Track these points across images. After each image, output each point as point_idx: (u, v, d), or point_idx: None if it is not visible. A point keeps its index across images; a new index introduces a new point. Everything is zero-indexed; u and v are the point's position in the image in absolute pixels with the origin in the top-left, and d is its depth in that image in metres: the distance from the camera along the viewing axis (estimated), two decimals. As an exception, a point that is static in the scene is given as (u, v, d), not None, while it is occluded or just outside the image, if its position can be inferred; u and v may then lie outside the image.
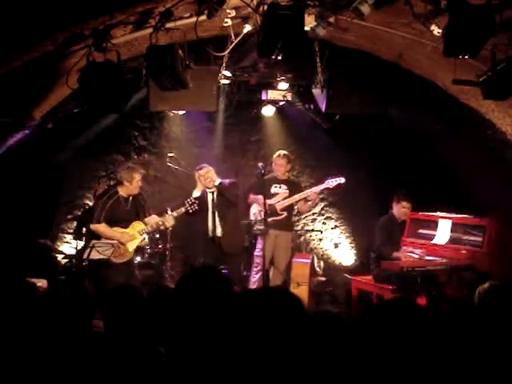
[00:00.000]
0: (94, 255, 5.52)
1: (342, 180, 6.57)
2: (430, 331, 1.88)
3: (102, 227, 5.41)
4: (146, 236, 5.81)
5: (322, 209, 7.97)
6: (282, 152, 6.64)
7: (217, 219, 6.11)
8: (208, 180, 6.02)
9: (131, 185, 5.49)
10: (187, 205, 5.82)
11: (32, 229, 6.13)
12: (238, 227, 6.39)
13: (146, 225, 5.63)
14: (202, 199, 6.05)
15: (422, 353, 1.84)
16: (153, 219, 5.71)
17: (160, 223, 5.68)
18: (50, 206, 6.76)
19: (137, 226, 5.59)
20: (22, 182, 6.04)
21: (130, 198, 5.58)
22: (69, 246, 6.82)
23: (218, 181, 6.09)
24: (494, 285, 2.91)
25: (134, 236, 5.57)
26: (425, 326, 1.87)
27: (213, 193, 6.12)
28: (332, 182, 6.65)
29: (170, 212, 5.80)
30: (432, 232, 6.03)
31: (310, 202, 6.53)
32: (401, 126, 7.07)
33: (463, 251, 5.58)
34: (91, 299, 3.15)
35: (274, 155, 6.65)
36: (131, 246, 5.56)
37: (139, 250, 6.23)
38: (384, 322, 1.91)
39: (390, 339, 1.86)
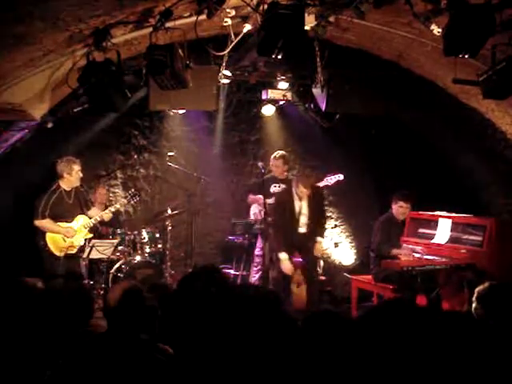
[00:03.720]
0: (94, 255, 5.54)
1: (340, 177, 6.58)
2: (429, 331, 1.88)
3: (46, 222, 5.49)
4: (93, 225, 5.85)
5: (321, 208, 7.96)
6: (278, 153, 6.65)
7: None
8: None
9: (71, 176, 5.57)
10: (129, 196, 6.07)
11: (32, 229, 6.12)
12: None
13: (90, 218, 5.74)
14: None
15: (421, 352, 1.84)
16: (95, 211, 5.85)
17: (102, 215, 5.80)
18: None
19: (81, 219, 5.69)
20: (21, 182, 6.03)
21: (73, 192, 5.66)
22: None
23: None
24: (493, 285, 2.91)
25: (80, 230, 5.67)
26: (424, 326, 1.87)
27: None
28: (331, 180, 6.66)
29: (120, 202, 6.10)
30: (432, 231, 6.03)
31: None
32: (401, 125, 7.08)
33: (463, 251, 5.58)
34: (90, 299, 3.15)
35: (271, 156, 6.67)
36: (77, 241, 5.65)
37: (140, 248, 6.26)
38: (383, 321, 1.92)
39: (390, 338, 1.86)
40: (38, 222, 5.49)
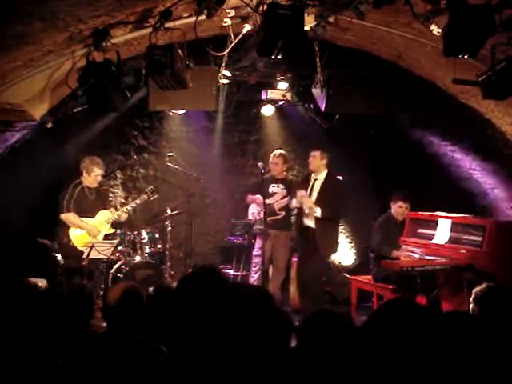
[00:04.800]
0: (94, 255, 5.54)
1: (340, 178, 6.58)
2: (429, 331, 1.88)
3: (71, 216, 5.54)
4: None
5: (321, 208, 7.96)
6: (278, 151, 6.65)
7: None
8: None
9: (89, 176, 5.66)
10: (149, 192, 6.05)
11: (32, 229, 6.12)
12: None
13: (114, 210, 5.84)
14: None
15: (421, 352, 1.84)
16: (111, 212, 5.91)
17: (123, 210, 5.90)
18: (50, 206, 6.75)
19: (103, 214, 5.75)
20: (21, 182, 6.03)
21: (94, 190, 5.76)
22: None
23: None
24: (490, 286, 2.91)
25: (103, 225, 5.75)
26: (423, 326, 1.87)
27: None
28: None
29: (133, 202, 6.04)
30: (432, 232, 6.02)
31: None
32: (402, 126, 7.08)
33: (463, 251, 5.57)
34: (90, 299, 3.16)
35: (271, 154, 6.67)
36: (100, 236, 5.75)
37: (140, 249, 6.25)
38: (384, 321, 1.92)
39: (390, 338, 1.86)
40: (64, 216, 5.56)
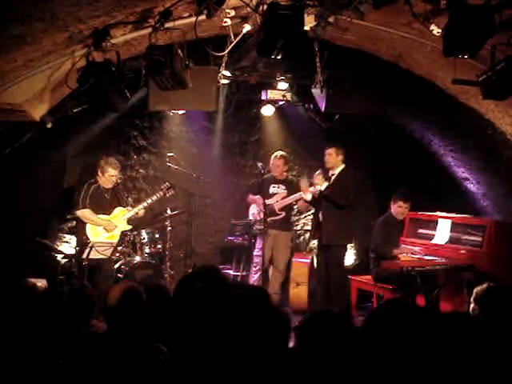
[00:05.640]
0: (94, 255, 5.54)
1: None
2: (427, 331, 1.88)
3: (87, 212, 5.59)
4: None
5: (321, 208, 7.95)
6: (279, 153, 6.65)
7: None
8: None
9: (103, 176, 5.66)
10: (164, 189, 6.06)
11: (32, 229, 6.12)
12: None
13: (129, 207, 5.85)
14: None
15: (420, 352, 1.84)
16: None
17: (140, 208, 5.91)
18: (50, 206, 6.75)
19: (120, 211, 5.79)
20: (21, 182, 6.03)
21: (110, 190, 5.78)
22: (68, 245, 6.81)
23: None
24: (491, 286, 2.91)
25: (119, 221, 5.78)
26: (421, 326, 1.87)
27: None
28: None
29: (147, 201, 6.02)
30: (431, 232, 6.03)
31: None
32: (402, 126, 7.08)
33: (463, 251, 5.58)
34: (90, 299, 3.16)
35: (272, 155, 6.67)
36: (117, 232, 5.79)
37: (140, 249, 6.26)
38: (383, 321, 1.92)
39: (388, 339, 1.86)
40: (80, 212, 5.60)
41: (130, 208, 5.91)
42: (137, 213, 5.90)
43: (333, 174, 6.00)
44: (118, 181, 6.01)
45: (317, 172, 5.99)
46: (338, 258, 5.98)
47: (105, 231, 5.75)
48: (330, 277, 5.89)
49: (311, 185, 6.07)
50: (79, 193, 5.64)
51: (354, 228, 6.13)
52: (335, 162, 5.97)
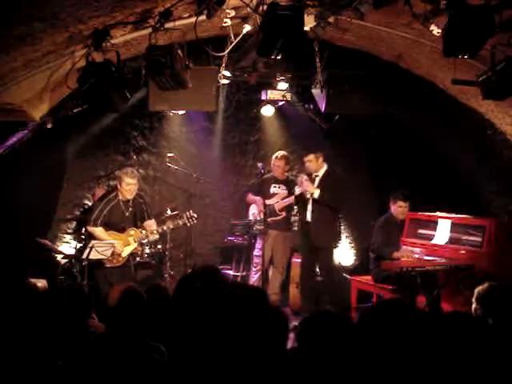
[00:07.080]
0: (94, 255, 5.53)
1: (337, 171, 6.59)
2: (425, 331, 1.88)
3: (98, 231, 5.35)
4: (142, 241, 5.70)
5: (321, 209, 7.96)
6: (280, 153, 6.65)
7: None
8: None
9: (121, 187, 5.38)
10: (185, 218, 5.74)
11: (32, 229, 6.12)
12: None
13: (143, 230, 5.53)
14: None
15: (419, 352, 1.84)
16: (151, 222, 5.64)
17: (154, 233, 5.59)
18: (50, 206, 6.76)
19: (132, 232, 5.52)
20: (21, 182, 6.03)
21: (131, 203, 5.48)
22: (68, 245, 6.81)
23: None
24: (493, 285, 2.91)
25: (129, 242, 5.50)
26: (419, 326, 1.87)
27: None
28: None
29: (166, 225, 5.71)
30: (431, 232, 6.03)
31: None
32: (401, 125, 7.08)
33: (463, 251, 5.58)
34: (89, 299, 3.16)
35: (273, 156, 6.67)
36: (125, 253, 5.49)
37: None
38: (381, 321, 1.91)
39: (388, 338, 1.86)
40: (90, 229, 5.38)
41: (143, 232, 5.57)
42: (148, 236, 5.59)
43: (317, 176, 6.10)
44: (142, 193, 5.74)
45: (303, 178, 6.01)
46: (331, 259, 6.20)
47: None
48: (323, 278, 6.12)
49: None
50: (95, 208, 5.40)
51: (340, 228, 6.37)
52: (317, 165, 6.09)
